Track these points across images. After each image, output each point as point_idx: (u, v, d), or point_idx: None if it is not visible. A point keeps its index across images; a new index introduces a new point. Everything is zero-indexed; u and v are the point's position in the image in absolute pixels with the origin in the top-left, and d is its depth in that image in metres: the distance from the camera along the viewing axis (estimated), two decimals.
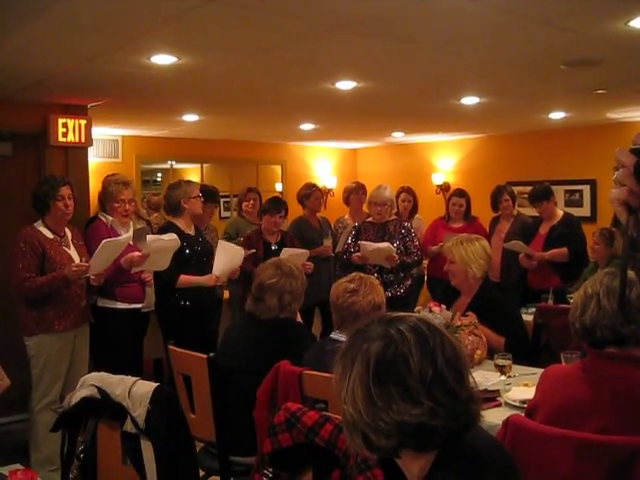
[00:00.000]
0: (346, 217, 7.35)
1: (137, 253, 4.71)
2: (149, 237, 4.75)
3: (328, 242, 6.75)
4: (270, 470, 2.24)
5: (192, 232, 5.27)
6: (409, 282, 5.92)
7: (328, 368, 2.95)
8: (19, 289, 4.40)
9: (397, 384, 1.48)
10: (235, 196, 8.37)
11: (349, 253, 5.88)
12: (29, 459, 4.42)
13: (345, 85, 5.40)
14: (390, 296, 5.58)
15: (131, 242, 4.80)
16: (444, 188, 10.14)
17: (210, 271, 5.20)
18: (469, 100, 6.38)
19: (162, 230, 5.17)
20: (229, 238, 6.48)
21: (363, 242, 5.73)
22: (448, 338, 1.57)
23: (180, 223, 5.20)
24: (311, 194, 6.92)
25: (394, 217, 6.09)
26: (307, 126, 8.33)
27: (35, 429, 4.47)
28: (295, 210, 7.13)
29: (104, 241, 4.45)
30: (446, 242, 6.40)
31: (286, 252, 5.52)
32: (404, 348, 1.50)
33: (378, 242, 5.76)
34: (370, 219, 6.04)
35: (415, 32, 3.94)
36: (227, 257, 5.26)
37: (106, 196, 5.00)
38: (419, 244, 6.00)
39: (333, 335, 3.30)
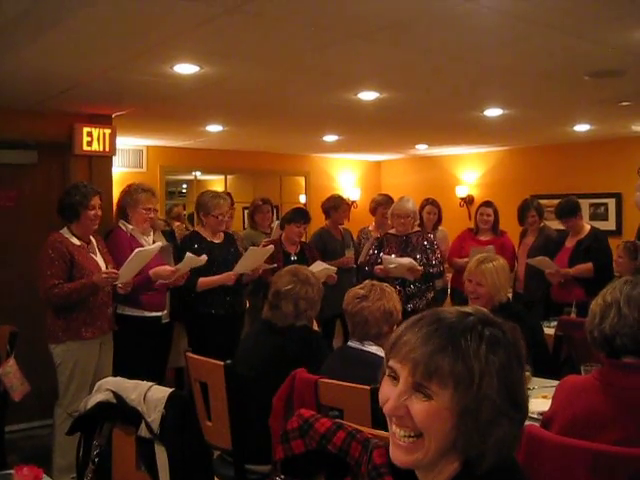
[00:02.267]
0: (370, 228, 7.33)
1: (168, 268, 4.78)
2: (188, 255, 4.82)
3: (350, 253, 6.74)
4: (282, 477, 2.22)
5: (218, 240, 5.36)
6: (431, 295, 5.88)
7: (347, 377, 2.95)
8: (47, 296, 4.38)
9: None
10: None
11: (371, 265, 5.86)
12: (50, 465, 4.43)
13: (367, 96, 5.40)
14: (412, 309, 5.57)
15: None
16: (468, 201, 10.11)
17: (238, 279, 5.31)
18: (493, 112, 6.35)
19: (185, 239, 5.31)
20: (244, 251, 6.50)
21: (385, 257, 5.70)
22: None
23: (203, 231, 5.34)
24: (339, 207, 6.95)
25: (417, 229, 6.06)
26: (330, 137, 8.34)
27: (60, 436, 4.45)
28: (316, 221, 7.13)
29: (137, 250, 4.51)
30: (472, 256, 6.38)
31: (317, 266, 5.52)
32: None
33: (401, 254, 5.73)
34: (393, 231, 6.02)
35: (436, 42, 3.93)
36: (252, 259, 5.32)
37: (132, 202, 4.98)
38: (441, 256, 5.96)
39: (350, 343, 3.29)
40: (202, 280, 5.06)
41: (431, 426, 1.30)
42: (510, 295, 5.08)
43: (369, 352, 3.15)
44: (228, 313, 5.26)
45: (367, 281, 3.46)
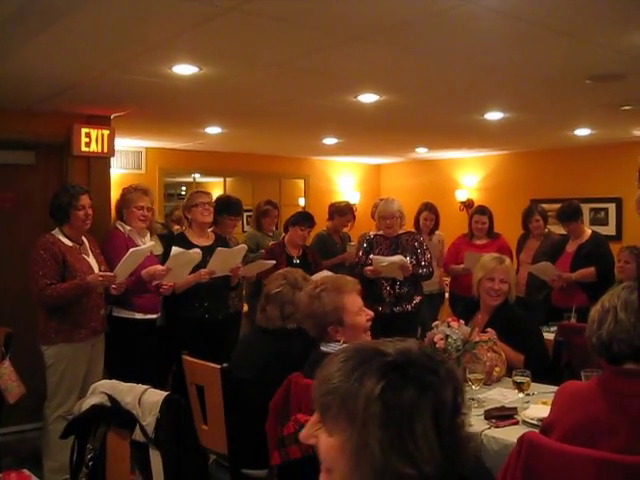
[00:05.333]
0: (371, 233, 7.32)
1: (160, 267, 4.73)
2: (174, 249, 4.76)
3: (351, 249, 6.77)
4: None
5: (206, 243, 5.22)
6: (419, 298, 5.87)
7: None
8: (40, 296, 4.35)
9: None
10: None
11: (360, 266, 5.84)
12: (42, 467, 4.40)
13: (367, 98, 5.38)
14: (400, 311, 5.65)
15: (155, 251, 4.91)
16: (467, 205, 10.08)
17: (224, 282, 5.23)
18: (493, 115, 6.33)
19: (171, 242, 5.20)
20: (249, 251, 6.46)
21: (375, 257, 5.70)
22: None
23: (189, 234, 5.26)
24: (345, 214, 7.13)
25: (407, 230, 6.06)
26: (330, 140, 8.32)
27: (51, 438, 4.43)
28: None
29: (131, 250, 4.48)
30: (467, 261, 6.37)
31: (322, 274, 5.47)
32: None
33: (390, 255, 5.72)
34: (381, 232, 6.01)
35: (438, 45, 3.91)
36: (220, 259, 5.09)
37: (125, 202, 5.01)
38: (430, 257, 5.93)
39: (323, 348, 3.19)
40: (177, 282, 4.97)
41: (333, 463, 1.26)
42: None
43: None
44: (203, 317, 5.12)
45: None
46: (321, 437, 1.28)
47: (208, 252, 5.03)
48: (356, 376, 1.24)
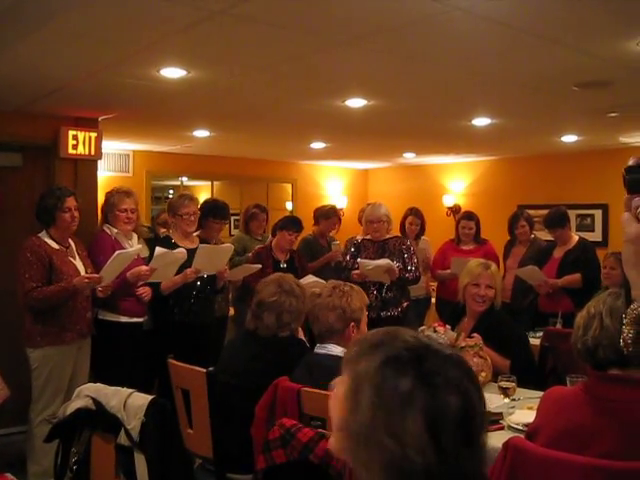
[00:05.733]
0: (358, 237, 7.33)
1: (144, 267, 4.71)
2: (157, 250, 4.74)
3: (336, 247, 6.78)
4: None
5: (190, 246, 5.15)
6: (406, 303, 5.86)
7: (319, 386, 2.89)
8: (26, 299, 4.34)
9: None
10: None
11: (348, 271, 5.84)
12: (26, 472, 4.37)
13: (355, 103, 5.39)
14: (388, 315, 5.63)
15: (141, 254, 4.86)
16: (455, 210, 10.11)
17: (208, 283, 5.21)
18: (481, 121, 6.35)
19: (157, 244, 5.15)
20: (236, 254, 6.44)
21: (362, 260, 5.70)
22: None
23: (174, 236, 5.23)
24: (330, 217, 7.07)
25: (394, 234, 6.06)
26: (318, 145, 8.33)
27: (35, 441, 4.40)
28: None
29: (117, 252, 4.47)
30: (454, 266, 6.39)
31: (307, 279, 5.46)
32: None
33: (377, 259, 5.73)
34: (369, 237, 6.01)
35: (426, 50, 3.92)
36: (207, 257, 5.06)
37: (109, 206, 4.99)
38: (417, 262, 5.94)
39: (317, 350, 3.22)
40: (164, 283, 4.95)
41: (331, 413, 1.32)
42: None
43: (332, 355, 3.10)
44: (189, 321, 5.09)
45: (330, 281, 3.47)
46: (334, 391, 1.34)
47: (192, 255, 5.00)
48: (373, 349, 1.29)
